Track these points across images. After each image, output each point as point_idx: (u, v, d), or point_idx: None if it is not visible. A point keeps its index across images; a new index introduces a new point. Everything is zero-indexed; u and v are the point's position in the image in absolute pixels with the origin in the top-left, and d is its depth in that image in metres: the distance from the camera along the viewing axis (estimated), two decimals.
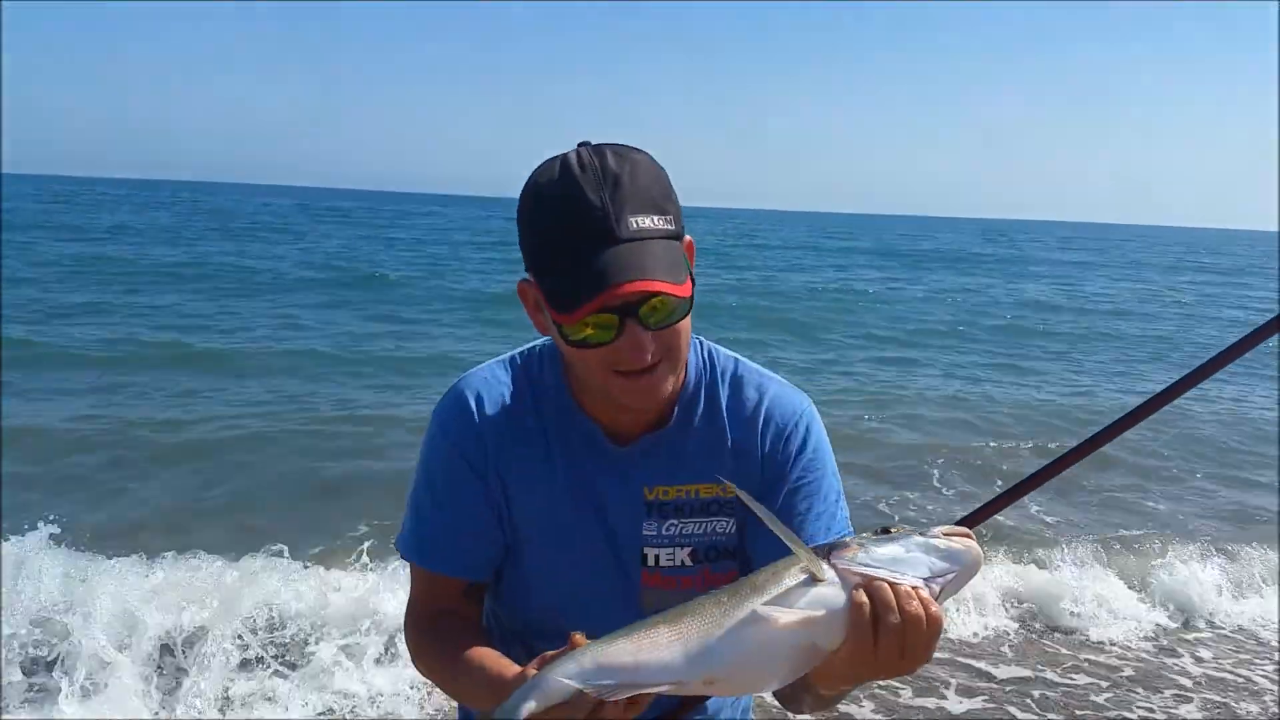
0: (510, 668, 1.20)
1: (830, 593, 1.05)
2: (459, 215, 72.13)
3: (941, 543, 1.07)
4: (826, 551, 1.08)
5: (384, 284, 20.46)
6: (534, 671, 1.07)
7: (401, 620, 1.49)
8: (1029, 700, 4.35)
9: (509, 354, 1.45)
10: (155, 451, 7.21)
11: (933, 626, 1.03)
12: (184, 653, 4.20)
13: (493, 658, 1.27)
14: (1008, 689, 4.46)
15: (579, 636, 1.07)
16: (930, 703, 4.28)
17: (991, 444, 8.70)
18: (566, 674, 1.05)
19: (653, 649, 1.06)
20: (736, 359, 1.45)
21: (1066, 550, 5.81)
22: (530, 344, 1.46)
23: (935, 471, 7.76)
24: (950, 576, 1.07)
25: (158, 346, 11.52)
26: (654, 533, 1.38)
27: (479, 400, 1.39)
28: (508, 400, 1.39)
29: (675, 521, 1.38)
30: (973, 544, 1.08)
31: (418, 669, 1.44)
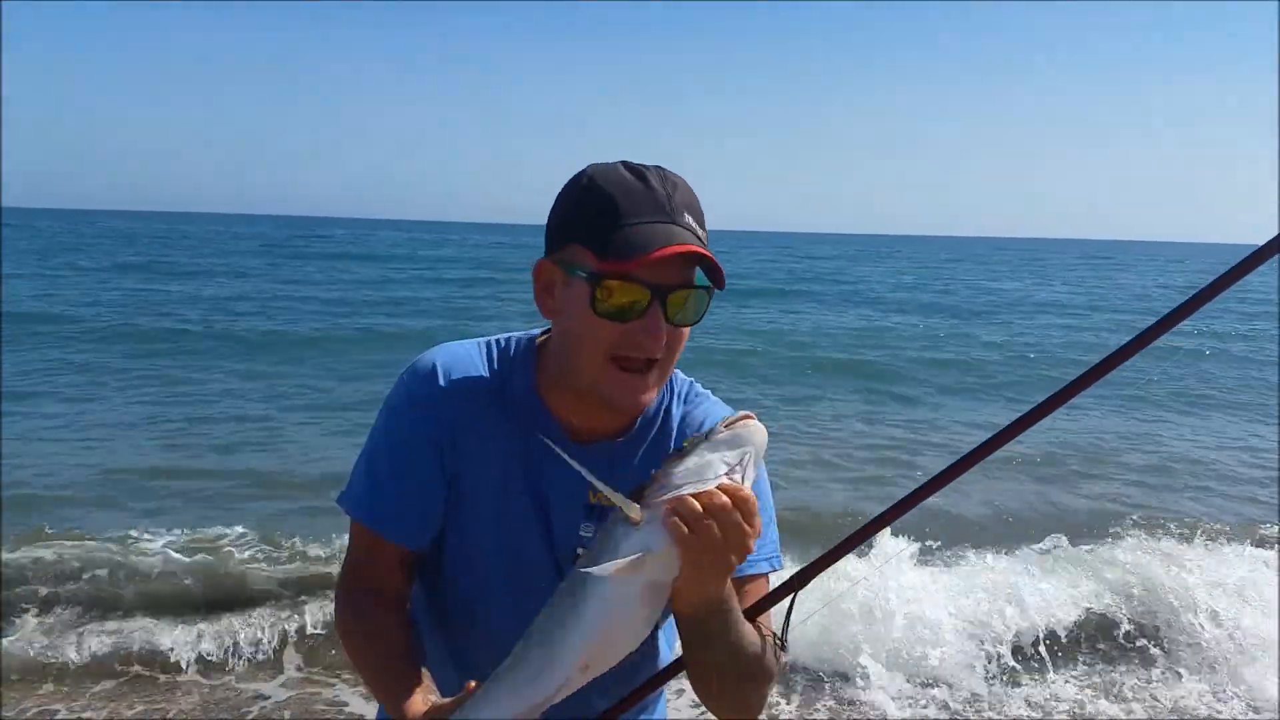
0: (416, 702, 1.25)
1: (649, 529, 1.12)
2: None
3: (725, 434, 1.16)
4: (639, 494, 1.15)
5: None
6: None
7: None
8: None
9: (487, 338, 1.48)
10: None
11: (743, 506, 1.11)
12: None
13: (405, 677, 1.30)
14: None
15: (473, 685, 1.17)
16: None
17: None
18: None
19: (524, 669, 1.15)
20: (690, 381, 1.52)
21: None
22: (509, 333, 1.49)
23: None
24: (745, 459, 1.16)
25: None
26: (590, 534, 1.40)
27: (449, 374, 1.41)
28: (477, 381, 1.41)
29: None
30: (752, 421, 1.17)
31: (340, 632, 1.45)
